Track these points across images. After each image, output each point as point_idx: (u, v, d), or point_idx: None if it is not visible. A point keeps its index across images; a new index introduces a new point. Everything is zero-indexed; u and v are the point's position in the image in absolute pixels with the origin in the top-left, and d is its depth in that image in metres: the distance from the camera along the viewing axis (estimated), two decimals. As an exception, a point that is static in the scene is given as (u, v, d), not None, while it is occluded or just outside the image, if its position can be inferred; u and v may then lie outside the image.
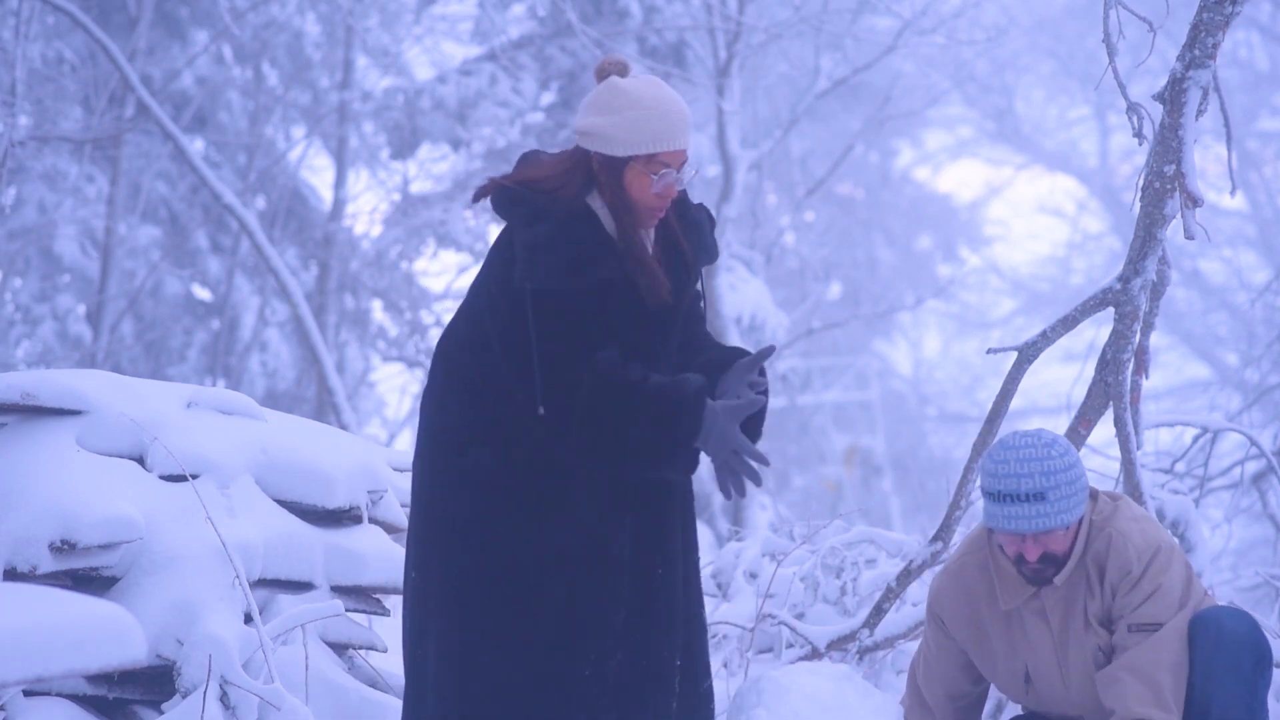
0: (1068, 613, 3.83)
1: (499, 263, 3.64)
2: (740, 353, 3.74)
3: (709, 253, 3.81)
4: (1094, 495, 3.89)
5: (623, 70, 3.71)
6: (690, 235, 3.77)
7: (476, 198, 3.72)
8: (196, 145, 17.85)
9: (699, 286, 3.83)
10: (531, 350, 3.56)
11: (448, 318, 21.20)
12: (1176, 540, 3.87)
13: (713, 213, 3.89)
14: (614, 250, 3.63)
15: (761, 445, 3.67)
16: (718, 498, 16.38)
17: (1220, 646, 3.74)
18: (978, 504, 4.74)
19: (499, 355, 3.61)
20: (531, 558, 3.61)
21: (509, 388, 3.60)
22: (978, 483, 4.63)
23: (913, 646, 6.52)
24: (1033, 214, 34.83)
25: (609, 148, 3.63)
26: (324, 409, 15.75)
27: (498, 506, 3.63)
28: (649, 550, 3.67)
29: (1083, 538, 3.80)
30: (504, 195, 3.66)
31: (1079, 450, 4.99)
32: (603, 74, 3.70)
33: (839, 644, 5.43)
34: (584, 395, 3.53)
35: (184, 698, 4.17)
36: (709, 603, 6.43)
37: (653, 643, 3.65)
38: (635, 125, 3.63)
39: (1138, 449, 4.99)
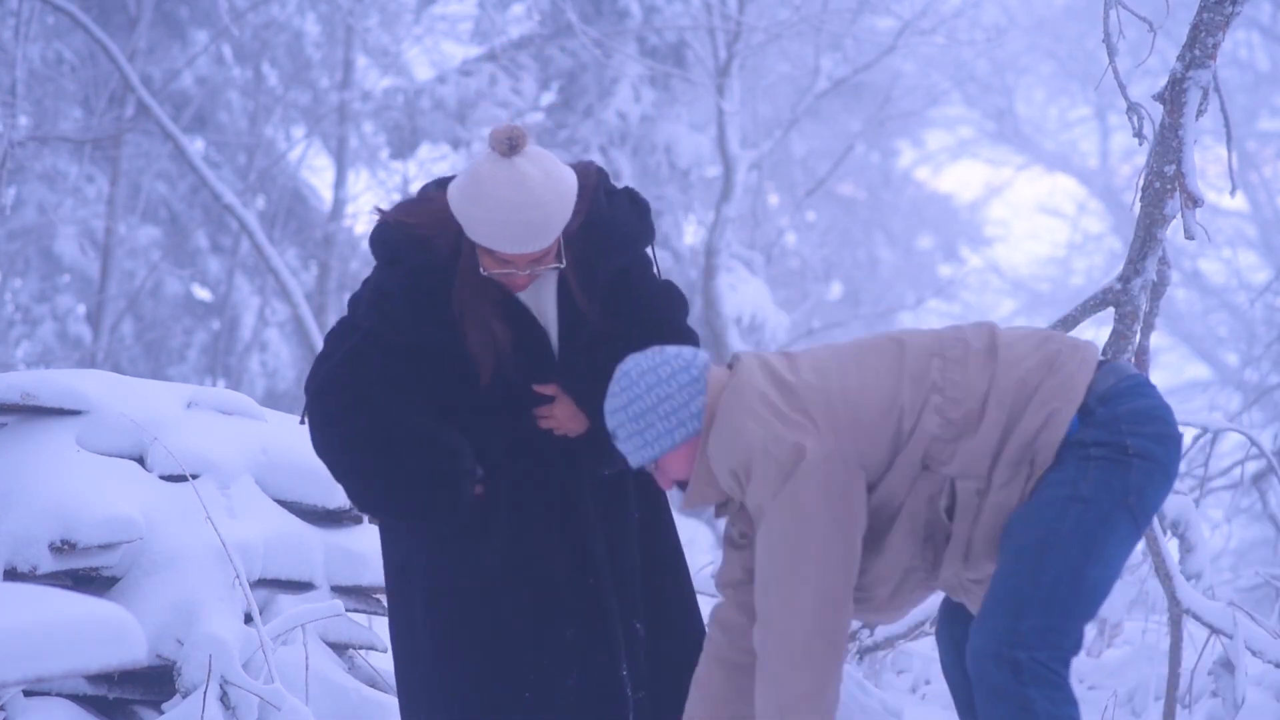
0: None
1: (354, 303, 3.64)
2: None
3: (636, 244, 3.68)
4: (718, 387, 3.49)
5: (507, 149, 3.44)
6: (599, 239, 3.60)
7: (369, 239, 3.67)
8: (196, 145, 17.85)
9: (641, 278, 3.71)
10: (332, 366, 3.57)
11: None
12: (780, 443, 3.36)
13: (638, 193, 3.72)
14: (475, 312, 3.56)
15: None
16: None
17: (975, 676, 3.34)
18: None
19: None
20: (453, 586, 3.62)
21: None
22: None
23: (913, 647, 6.53)
24: (1033, 214, 34.85)
25: (462, 223, 3.51)
26: (324, 409, 15.72)
27: (418, 534, 3.67)
28: (574, 562, 3.65)
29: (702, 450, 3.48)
30: (377, 233, 3.59)
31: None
32: (491, 144, 3.48)
33: (839, 644, 5.41)
34: (353, 437, 3.55)
35: (184, 698, 4.17)
36: (710, 603, 6.42)
37: (598, 659, 3.63)
38: (471, 221, 3.46)
39: (1138, 449, 4.97)
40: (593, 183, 3.60)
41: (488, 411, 3.60)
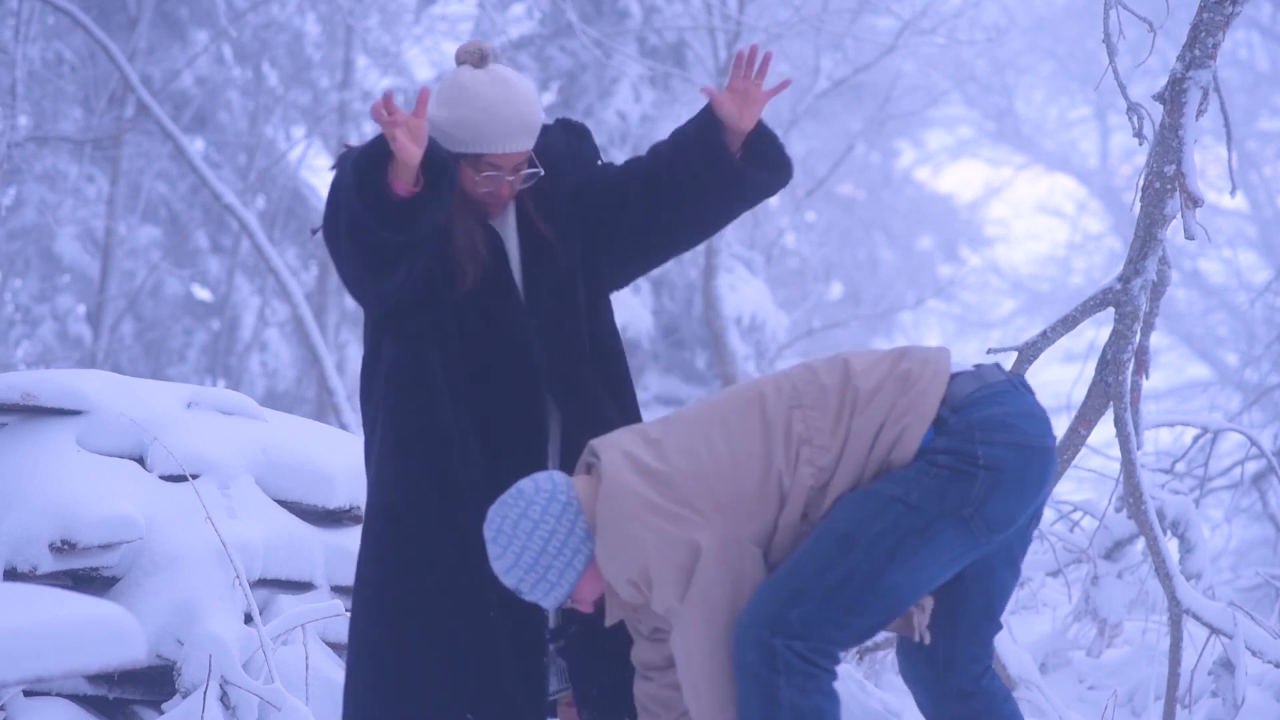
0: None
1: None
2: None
3: (582, 163, 3.73)
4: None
5: (479, 60, 3.60)
6: (542, 182, 3.66)
7: (333, 168, 3.68)
8: (196, 145, 17.86)
9: (598, 173, 3.75)
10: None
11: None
12: (682, 521, 3.29)
13: (582, 123, 3.81)
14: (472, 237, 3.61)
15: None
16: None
17: (735, 647, 3.34)
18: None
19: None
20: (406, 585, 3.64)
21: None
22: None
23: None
24: (1033, 214, 34.84)
25: (443, 140, 3.57)
26: (324, 409, 15.75)
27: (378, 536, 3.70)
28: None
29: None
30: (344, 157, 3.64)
31: (1078, 451, 4.99)
32: (459, 61, 3.62)
33: (839, 644, 5.41)
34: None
35: (184, 698, 4.17)
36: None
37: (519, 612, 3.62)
38: (461, 125, 3.56)
39: (1138, 449, 4.98)
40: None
41: (464, 321, 3.62)
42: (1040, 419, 3.44)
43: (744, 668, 3.31)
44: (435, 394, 3.59)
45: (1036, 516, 3.49)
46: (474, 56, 3.60)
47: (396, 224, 3.43)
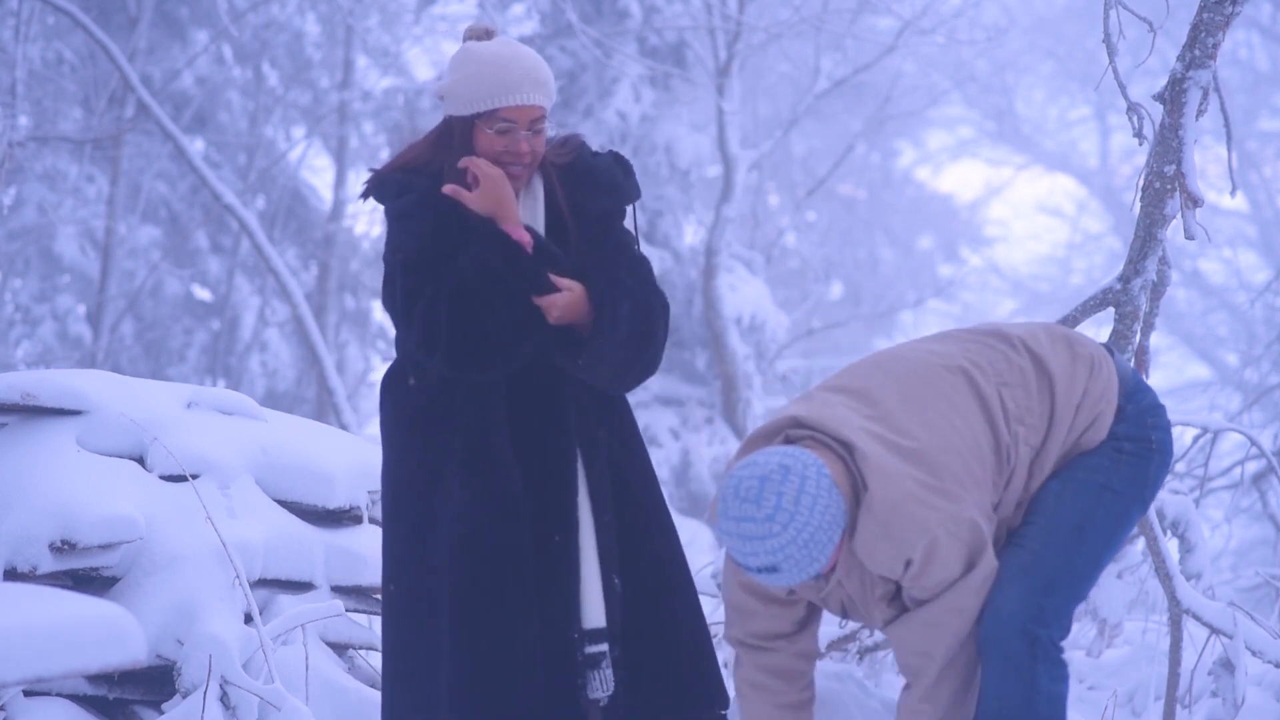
0: (862, 587, 3.53)
1: (385, 250, 3.73)
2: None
3: (621, 195, 3.79)
4: (856, 491, 3.39)
5: (484, 36, 3.74)
6: (583, 185, 3.76)
7: (363, 195, 3.79)
8: (196, 145, 17.85)
9: (624, 228, 3.81)
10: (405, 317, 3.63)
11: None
12: (958, 523, 3.35)
13: (623, 155, 3.88)
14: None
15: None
16: (718, 498, 16.38)
17: (990, 637, 3.44)
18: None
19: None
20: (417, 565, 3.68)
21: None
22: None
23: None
24: (1033, 214, 34.84)
25: (455, 107, 3.69)
26: (324, 409, 15.75)
27: (389, 515, 3.75)
28: (546, 519, 3.68)
29: (844, 545, 3.41)
30: (376, 182, 3.75)
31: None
32: (469, 36, 3.75)
33: (839, 644, 5.42)
34: (434, 308, 3.59)
35: (184, 698, 4.17)
36: (709, 603, 6.42)
37: (549, 616, 3.65)
38: (474, 81, 3.66)
39: (1138, 449, 4.97)
40: (579, 140, 3.83)
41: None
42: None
43: (1009, 657, 3.40)
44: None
45: None
46: (480, 33, 3.74)
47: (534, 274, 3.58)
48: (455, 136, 3.71)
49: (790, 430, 3.45)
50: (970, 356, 3.53)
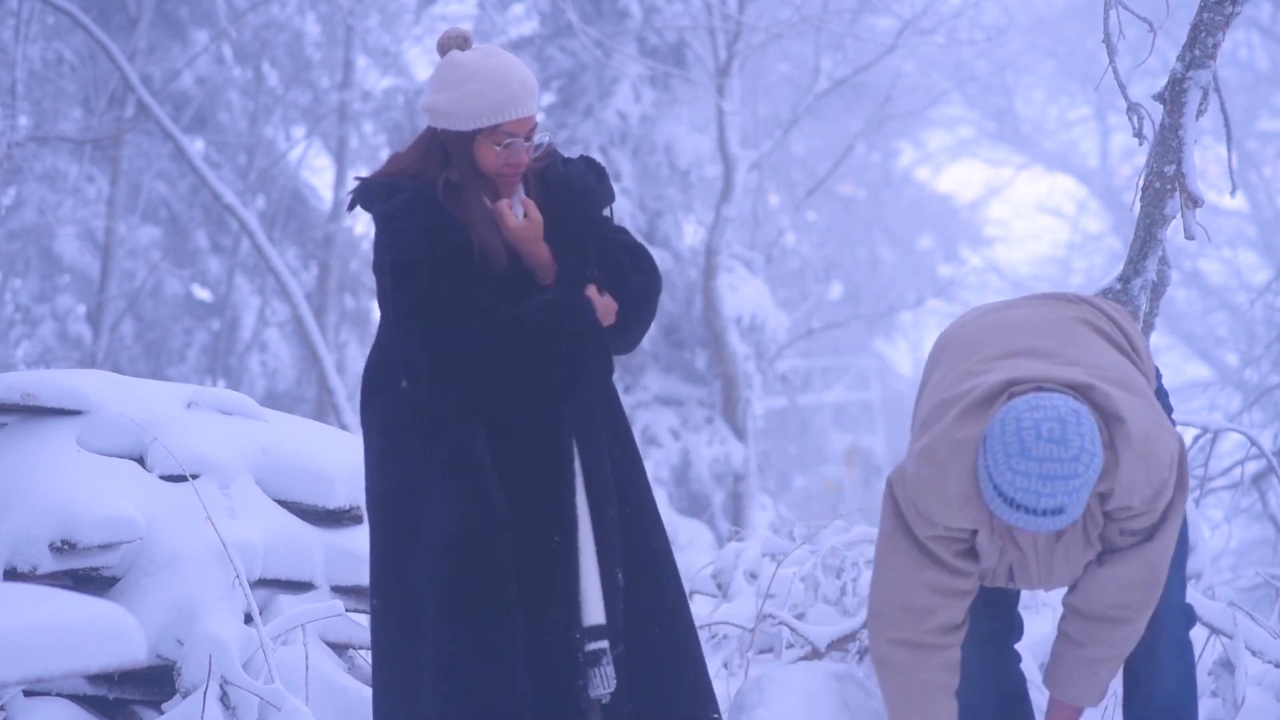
0: (1061, 538, 3.59)
1: (374, 253, 3.75)
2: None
3: (594, 200, 3.83)
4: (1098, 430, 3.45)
5: (463, 43, 3.75)
6: (559, 195, 3.80)
7: (350, 205, 3.81)
8: (196, 145, 17.86)
9: (606, 222, 3.86)
10: (400, 320, 3.65)
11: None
12: (1178, 437, 3.53)
13: (597, 160, 3.93)
14: (471, 227, 3.70)
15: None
16: (718, 498, 16.39)
17: (1165, 624, 3.72)
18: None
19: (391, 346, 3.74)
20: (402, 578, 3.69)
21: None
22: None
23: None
24: (1033, 214, 34.87)
25: (453, 123, 3.71)
26: (324, 409, 15.75)
27: (374, 523, 3.76)
28: (543, 521, 3.70)
29: None
30: (363, 188, 3.77)
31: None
32: (444, 49, 3.75)
33: (839, 644, 5.43)
34: (474, 340, 3.60)
35: (184, 698, 4.17)
36: (709, 603, 6.42)
37: (549, 615, 3.66)
38: (474, 98, 3.68)
39: (1138, 449, 4.97)
40: (551, 147, 3.87)
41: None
42: None
43: (1180, 641, 3.74)
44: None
45: None
46: (458, 40, 3.75)
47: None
48: (452, 150, 3.72)
49: (1013, 389, 3.47)
50: (1077, 313, 3.68)
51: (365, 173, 3.87)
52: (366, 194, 3.76)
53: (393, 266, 3.66)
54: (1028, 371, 3.46)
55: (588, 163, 3.89)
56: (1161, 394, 3.81)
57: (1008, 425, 3.35)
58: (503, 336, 3.60)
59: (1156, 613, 3.65)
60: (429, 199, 3.69)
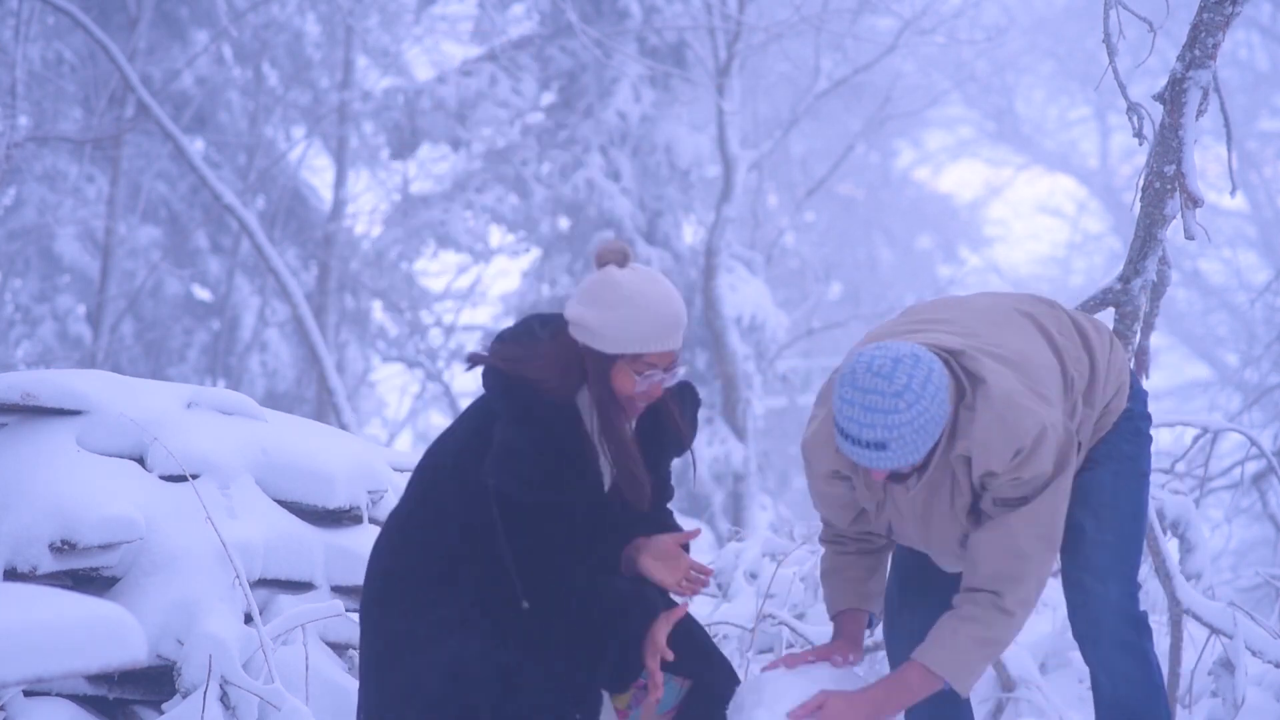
0: (932, 495, 3.65)
1: (475, 435, 3.64)
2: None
3: (691, 437, 3.82)
4: (961, 391, 3.55)
5: (622, 259, 3.63)
6: (662, 420, 3.77)
7: (469, 366, 3.70)
8: (196, 145, 17.86)
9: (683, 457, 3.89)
10: (501, 541, 3.59)
11: (448, 318, 21.23)
12: (1065, 427, 3.57)
13: (696, 391, 3.89)
14: (593, 452, 3.64)
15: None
16: (718, 498, 16.39)
17: (1102, 626, 3.71)
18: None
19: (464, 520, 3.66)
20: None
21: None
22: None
23: (913, 646, 6.52)
24: (1033, 214, 34.85)
25: (597, 343, 3.59)
26: (324, 409, 15.76)
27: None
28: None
29: (941, 448, 3.55)
30: (497, 380, 3.63)
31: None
32: (601, 261, 3.64)
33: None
34: (570, 600, 3.60)
35: (184, 698, 4.17)
36: (709, 603, 6.43)
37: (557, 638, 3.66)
38: (625, 324, 3.57)
39: (1138, 449, 4.97)
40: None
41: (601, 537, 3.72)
42: None
43: (1124, 643, 3.69)
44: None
45: None
46: (618, 256, 3.64)
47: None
48: (589, 366, 3.63)
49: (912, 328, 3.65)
50: (1026, 306, 3.74)
51: (489, 321, 3.79)
52: (497, 388, 3.63)
53: (498, 497, 3.57)
54: (919, 336, 3.60)
55: (692, 395, 3.84)
56: (1135, 415, 3.79)
57: (850, 361, 3.50)
58: (572, 605, 3.59)
59: (1094, 608, 3.70)
60: (557, 435, 3.60)
